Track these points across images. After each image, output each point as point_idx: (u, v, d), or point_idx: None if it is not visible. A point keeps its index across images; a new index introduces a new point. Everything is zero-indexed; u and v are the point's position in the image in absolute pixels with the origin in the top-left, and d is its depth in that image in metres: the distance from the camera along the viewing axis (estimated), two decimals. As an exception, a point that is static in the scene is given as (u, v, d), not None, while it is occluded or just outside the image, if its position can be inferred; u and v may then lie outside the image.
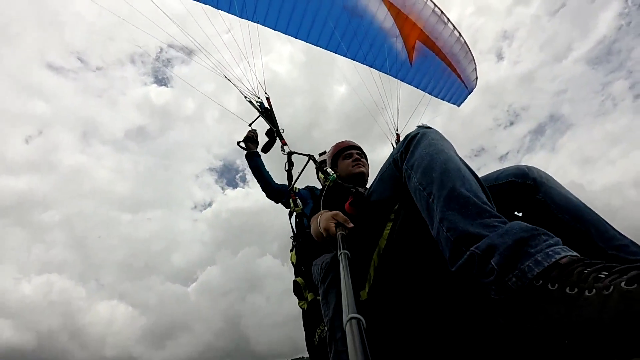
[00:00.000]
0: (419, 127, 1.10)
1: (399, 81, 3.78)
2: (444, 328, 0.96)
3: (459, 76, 3.92)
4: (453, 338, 0.95)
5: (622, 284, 0.53)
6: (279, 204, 2.40)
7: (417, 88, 3.82)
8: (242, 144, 2.47)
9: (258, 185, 2.43)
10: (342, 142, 2.19)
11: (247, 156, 2.45)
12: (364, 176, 2.04)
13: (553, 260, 0.63)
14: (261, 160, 2.46)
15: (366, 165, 2.10)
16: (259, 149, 2.54)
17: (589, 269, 0.59)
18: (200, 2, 2.79)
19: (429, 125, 1.10)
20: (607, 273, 0.57)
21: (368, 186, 2.00)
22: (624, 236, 0.99)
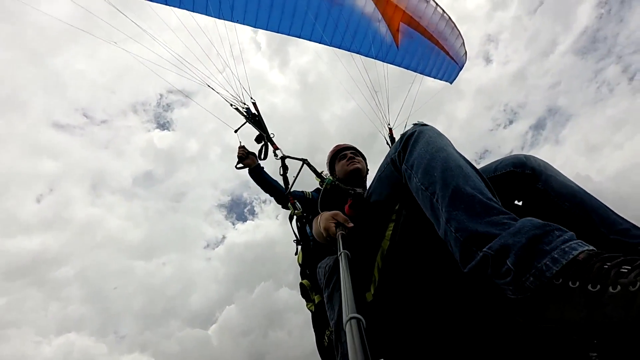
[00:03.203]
0: (415, 124, 1.07)
1: (386, 75, 3.71)
2: (452, 328, 0.95)
3: (448, 53, 3.86)
4: (461, 338, 0.93)
5: None
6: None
7: (407, 69, 3.76)
8: (240, 165, 2.39)
9: (270, 197, 2.32)
10: (336, 145, 2.22)
11: (250, 173, 2.36)
12: (360, 172, 2.02)
13: (571, 256, 0.60)
14: (265, 171, 2.37)
15: (362, 162, 2.08)
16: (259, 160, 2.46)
17: (609, 264, 0.57)
18: (176, 6, 2.75)
19: (424, 122, 1.06)
20: (629, 267, 0.54)
21: (367, 185, 2.05)
22: (625, 220, 0.97)
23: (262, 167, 2.39)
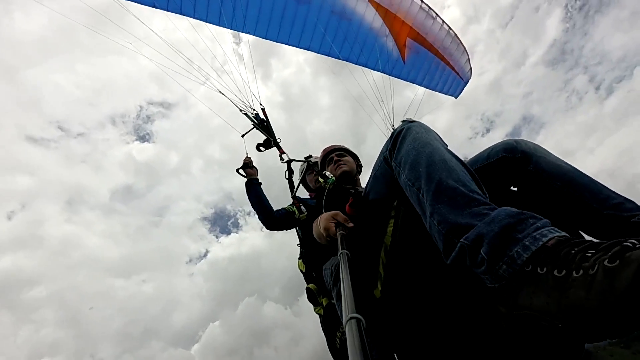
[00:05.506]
0: (403, 121, 1.10)
1: (392, 79, 3.79)
2: (459, 320, 0.95)
3: (453, 68, 3.93)
4: (469, 330, 0.93)
5: (606, 261, 0.51)
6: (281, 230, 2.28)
7: (413, 83, 3.82)
8: (242, 171, 2.40)
9: (257, 215, 2.25)
10: (324, 150, 2.22)
11: (247, 184, 2.34)
12: (349, 174, 2.03)
13: (540, 243, 0.61)
14: (261, 189, 2.35)
15: (349, 163, 2.09)
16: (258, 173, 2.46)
17: (576, 249, 0.58)
18: (192, 17, 2.83)
19: (413, 119, 1.11)
20: (593, 251, 0.56)
21: (362, 182, 2.08)
22: (618, 194, 0.97)
23: (260, 184, 2.39)
